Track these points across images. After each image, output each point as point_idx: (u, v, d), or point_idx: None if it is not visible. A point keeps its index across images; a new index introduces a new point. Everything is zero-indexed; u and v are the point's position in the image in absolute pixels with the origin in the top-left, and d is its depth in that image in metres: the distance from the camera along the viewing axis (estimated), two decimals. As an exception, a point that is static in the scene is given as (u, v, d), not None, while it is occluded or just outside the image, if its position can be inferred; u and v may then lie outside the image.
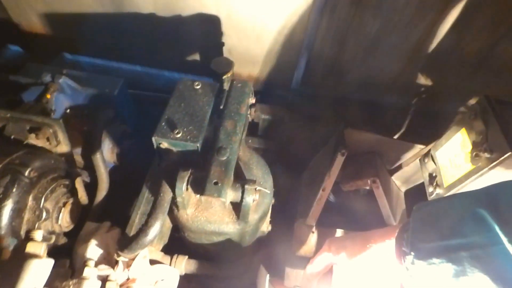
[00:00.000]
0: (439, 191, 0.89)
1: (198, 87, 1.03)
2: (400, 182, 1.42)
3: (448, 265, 0.51)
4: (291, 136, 1.49)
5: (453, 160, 0.86)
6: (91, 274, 0.82)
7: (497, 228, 0.47)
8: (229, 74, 1.15)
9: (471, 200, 0.55)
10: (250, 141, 1.51)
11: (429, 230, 0.56)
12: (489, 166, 0.73)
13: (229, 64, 1.16)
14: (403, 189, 1.45)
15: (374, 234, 0.70)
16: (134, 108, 1.43)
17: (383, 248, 0.66)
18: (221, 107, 1.00)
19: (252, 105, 1.32)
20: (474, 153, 0.76)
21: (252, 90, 1.07)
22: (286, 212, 1.32)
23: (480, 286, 0.49)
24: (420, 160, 1.05)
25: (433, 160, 0.96)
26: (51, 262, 0.80)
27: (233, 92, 1.03)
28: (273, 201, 1.19)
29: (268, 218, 1.14)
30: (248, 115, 1.30)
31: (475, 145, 0.77)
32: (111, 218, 1.08)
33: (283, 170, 1.37)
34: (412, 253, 0.56)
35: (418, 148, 1.15)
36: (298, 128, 1.48)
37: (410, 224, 0.61)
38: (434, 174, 0.94)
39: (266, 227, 1.14)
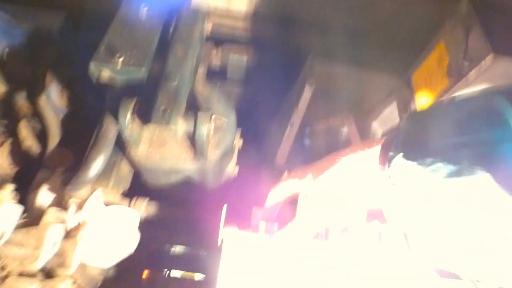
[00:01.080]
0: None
1: (145, 9, 0.90)
2: (377, 123, 1.35)
3: (442, 165, 0.44)
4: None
5: (429, 80, 0.77)
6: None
7: None
8: None
9: (490, 95, 0.46)
10: (218, 84, 1.40)
11: (427, 130, 0.48)
12: (466, 78, 0.64)
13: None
14: (381, 131, 1.39)
15: (343, 151, 0.61)
16: (84, 49, 1.28)
17: (356, 158, 0.57)
18: (171, 30, 0.88)
19: (218, 44, 1.22)
20: (451, 65, 0.67)
21: (206, 14, 0.95)
22: (258, 156, 1.26)
23: (476, 188, 0.42)
24: (394, 90, 0.96)
25: (407, 85, 0.87)
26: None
27: (184, 16, 0.90)
28: (240, 142, 1.11)
29: (234, 158, 1.06)
30: (212, 56, 1.20)
31: (453, 56, 0.68)
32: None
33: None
34: (402, 153, 0.48)
35: (395, 80, 1.06)
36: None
37: (403, 127, 0.53)
38: (407, 100, 0.86)
39: (232, 168, 1.06)
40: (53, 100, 1.14)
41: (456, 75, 0.66)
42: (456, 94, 0.68)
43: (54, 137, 1.12)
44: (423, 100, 0.80)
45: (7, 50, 1.13)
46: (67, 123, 1.17)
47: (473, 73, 0.63)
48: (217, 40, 1.35)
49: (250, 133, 1.20)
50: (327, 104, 1.21)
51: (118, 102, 0.79)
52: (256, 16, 1.63)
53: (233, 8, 1.66)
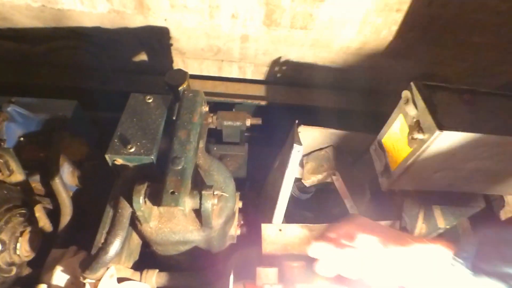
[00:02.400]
0: (387, 176, 0.94)
1: (150, 100, 1.05)
2: (362, 172, 1.48)
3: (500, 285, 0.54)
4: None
5: (395, 145, 0.91)
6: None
7: None
8: (184, 85, 1.17)
9: None
10: (215, 148, 1.53)
11: (491, 253, 0.58)
12: (423, 148, 0.78)
13: (183, 76, 1.18)
14: (366, 179, 1.51)
15: (403, 235, 0.66)
16: (93, 129, 1.42)
17: (425, 250, 0.62)
18: (174, 118, 1.01)
19: (213, 113, 1.34)
20: (410, 136, 0.81)
21: (204, 99, 1.09)
22: (257, 214, 1.35)
23: None
24: (371, 148, 1.10)
25: (380, 147, 1.01)
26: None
27: (185, 102, 1.04)
28: (240, 204, 1.21)
29: (235, 222, 1.16)
30: (209, 123, 1.32)
31: (411, 129, 0.82)
32: (78, 243, 1.07)
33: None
34: (469, 269, 0.57)
35: (370, 137, 1.21)
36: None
37: (470, 244, 0.61)
38: (382, 161, 0.99)
39: (234, 230, 1.15)
40: (65, 180, 1.24)
41: (415, 145, 0.80)
42: (417, 160, 0.81)
43: (66, 216, 1.22)
44: (393, 161, 0.93)
45: (21, 139, 1.25)
46: (77, 200, 1.26)
47: (427, 144, 0.77)
48: (212, 105, 1.50)
49: (251, 194, 1.31)
50: (313, 161, 1.34)
51: (130, 185, 0.90)
52: (246, 82, 1.83)
53: (224, 75, 1.86)
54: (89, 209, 1.29)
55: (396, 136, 0.90)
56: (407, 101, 0.83)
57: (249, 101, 1.73)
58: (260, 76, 1.87)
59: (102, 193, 1.24)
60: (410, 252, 0.62)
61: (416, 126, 0.78)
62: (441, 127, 0.73)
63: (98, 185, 1.35)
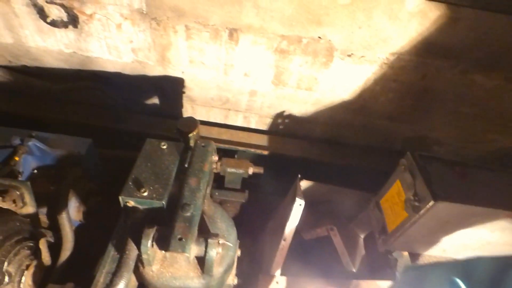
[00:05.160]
0: (384, 237, 0.99)
1: (165, 147, 1.12)
2: (359, 228, 1.52)
3: None
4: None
5: (393, 208, 0.98)
6: None
7: None
8: (194, 133, 1.25)
9: (451, 270, 0.66)
10: (217, 193, 1.58)
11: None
12: (419, 214, 0.85)
13: (194, 124, 1.27)
14: (362, 235, 1.55)
15: None
16: (101, 165, 1.47)
17: None
18: (186, 165, 1.08)
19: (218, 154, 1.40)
20: (407, 203, 0.88)
21: (214, 149, 1.17)
22: (252, 262, 1.36)
23: None
24: (368, 207, 1.16)
25: (378, 208, 1.07)
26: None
27: (197, 151, 1.12)
28: (238, 253, 1.23)
29: (233, 271, 1.17)
30: (213, 169, 1.38)
31: (407, 195, 0.89)
32: (75, 278, 1.07)
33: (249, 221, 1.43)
34: None
35: (367, 195, 1.27)
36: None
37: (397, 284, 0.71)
38: (380, 221, 1.05)
39: (232, 279, 1.17)
40: (71, 215, 1.27)
41: (411, 211, 0.87)
42: (413, 225, 0.88)
43: (67, 251, 1.22)
44: (390, 223, 0.99)
45: (35, 171, 1.30)
46: (78, 235, 1.28)
47: (422, 212, 0.83)
48: (217, 150, 1.57)
49: (246, 241, 1.33)
50: (312, 214, 1.39)
51: (138, 228, 0.94)
52: (250, 131, 1.93)
53: (230, 123, 1.97)
54: (88, 245, 1.30)
55: (393, 199, 0.97)
56: (403, 169, 0.91)
57: (252, 149, 1.82)
58: (264, 126, 1.97)
59: (103, 230, 1.27)
60: None
61: (413, 194, 0.85)
62: (436, 197, 0.80)
63: (100, 222, 1.38)
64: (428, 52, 1.34)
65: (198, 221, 0.95)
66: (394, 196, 0.97)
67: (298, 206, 1.16)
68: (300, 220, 1.40)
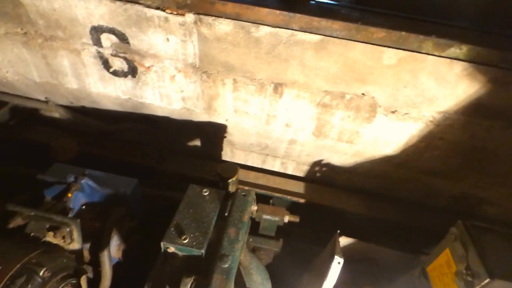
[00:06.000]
0: (432, 309, 0.92)
1: (206, 193, 1.15)
2: (397, 290, 1.42)
3: None
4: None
5: (441, 278, 0.91)
6: None
7: None
8: (234, 178, 1.28)
9: None
10: (251, 239, 1.56)
11: None
12: (472, 289, 0.78)
13: (234, 170, 1.30)
14: (402, 299, 1.44)
15: None
16: (144, 204, 1.53)
17: None
18: (226, 214, 1.10)
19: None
20: (458, 275, 0.82)
21: (254, 198, 1.18)
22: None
23: None
24: (413, 274, 1.09)
25: (424, 275, 1.01)
26: None
27: (237, 201, 1.14)
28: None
29: (265, 328, 1.13)
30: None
31: (459, 268, 0.83)
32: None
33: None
34: None
35: (409, 257, 1.20)
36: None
37: None
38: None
39: (263, 337, 1.12)
40: (111, 253, 1.31)
41: (464, 286, 0.80)
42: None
43: (104, 288, 1.25)
44: (440, 294, 0.92)
45: (84, 207, 1.38)
46: (115, 272, 1.31)
47: (476, 288, 0.77)
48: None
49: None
50: (350, 272, 1.32)
51: (176, 275, 0.95)
52: (286, 177, 1.93)
53: (267, 167, 1.99)
54: (124, 284, 1.32)
55: (442, 269, 0.91)
56: (454, 238, 0.86)
57: (288, 196, 1.81)
58: (301, 173, 1.97)
59: (140, 269, 1.29)
60: None
61: (465, 267, 0.80)
62: (493, 275, 0.74)
63: (137, 259, 1.41)
64: (477, 112, 1.30)
65: (235, 274, 0.94)
66: (443, 265, 0.91)
67: (337, 265, 1.12)
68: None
